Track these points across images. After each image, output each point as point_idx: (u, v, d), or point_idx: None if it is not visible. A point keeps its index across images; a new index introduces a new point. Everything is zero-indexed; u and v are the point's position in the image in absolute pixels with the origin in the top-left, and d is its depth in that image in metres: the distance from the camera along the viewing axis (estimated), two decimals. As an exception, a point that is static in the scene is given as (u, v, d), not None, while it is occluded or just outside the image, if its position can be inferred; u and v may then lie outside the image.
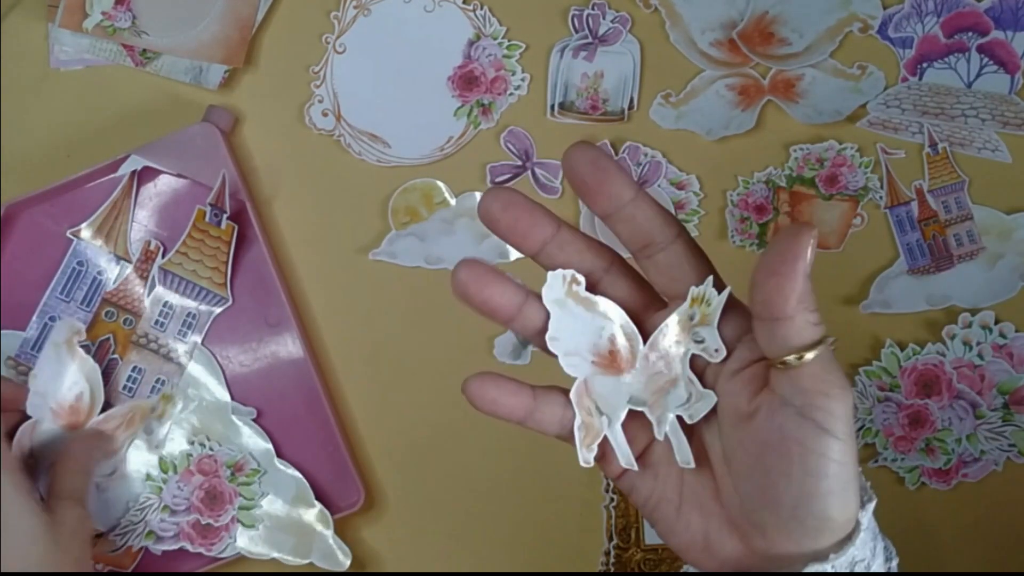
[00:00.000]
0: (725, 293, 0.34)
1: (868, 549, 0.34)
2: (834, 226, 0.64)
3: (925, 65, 0.64)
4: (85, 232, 0.64)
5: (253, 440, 0.63)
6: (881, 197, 0.64)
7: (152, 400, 0.48)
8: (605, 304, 0.36)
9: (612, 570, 0.63)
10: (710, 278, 0.34)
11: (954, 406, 0.62)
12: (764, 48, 0.64)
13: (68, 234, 0.64)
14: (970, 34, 0.64)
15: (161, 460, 0.64)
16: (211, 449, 0.63)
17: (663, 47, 0.65)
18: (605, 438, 0.37)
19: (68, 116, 0.67)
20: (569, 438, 0.37)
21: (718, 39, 0.65)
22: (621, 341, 0.36)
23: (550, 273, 0.36)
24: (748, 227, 0.64)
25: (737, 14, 0.65)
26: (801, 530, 0.33)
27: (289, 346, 0.64)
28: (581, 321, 0.36)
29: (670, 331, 0.35)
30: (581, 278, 0.36)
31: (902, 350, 0.62)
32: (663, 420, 0.36)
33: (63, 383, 0.58)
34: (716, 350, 0.35)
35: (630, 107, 0.65)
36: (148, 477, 0.64)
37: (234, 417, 0.64)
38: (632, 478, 0.38)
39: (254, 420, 0.64)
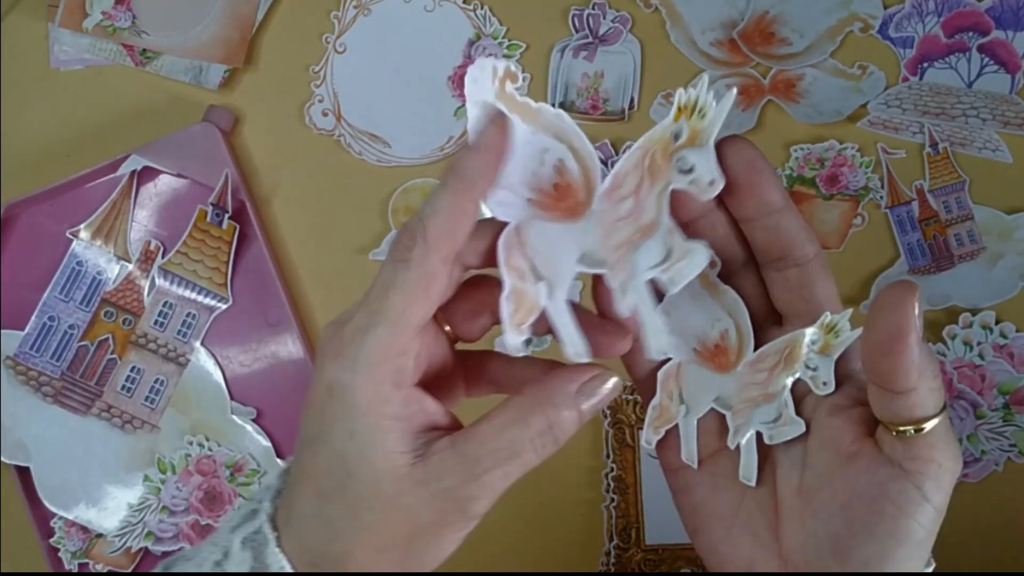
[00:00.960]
0: (857, 332, 0.31)
1: None
2: (835, 226, 0.64)
3: (926, 65, 0.64)
4: (84, 232, 0.64)
5: (253, 440, 0.63)
6: (882, 197, 0.64)
7: (665, 124, 0.30)
8: (554, 117, 0.29)
9: (612, 570, 0.63)
10: (850, 311, 0.31)
11: (955, 406, 0.62)
12: (764, 48, 0.64)
13: (68, 234, 0.64)
14: (971, 34, 0.64)
15: (160, 460, 0.64)
16: (210, 449, 0.63)
17: (663, 47, 0.65)
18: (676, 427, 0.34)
19: (68, 116, 0.67)
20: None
21: (718, 39, 0.65)
22: (572, 168, 0.29)
23: (478, 61, 0.29)
24: (748, 227, 0.64)
25: (737, 14, 0.65)
26: None
27: (289, 346, 0.64)
28: (520, 139, 0.29)
29: (782, 347, 0.31)
30: (518, 73, 0.29)
31: (903, 350, 0.62)
32: (742, 430, 0.33)
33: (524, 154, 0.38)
34: (825, 383, 0.31)
35: (630, 107, 0.65)
36: (146, 478, 0.64)
37: (234, 417, 0.64)
38: (688, 479, 0.35)
39: (254, 420, 0.64)
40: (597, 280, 0.32)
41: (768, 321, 0.33)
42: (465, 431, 0.32)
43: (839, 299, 0.32)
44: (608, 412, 0.63)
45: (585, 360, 0.31)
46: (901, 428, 0.30)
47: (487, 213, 0.31)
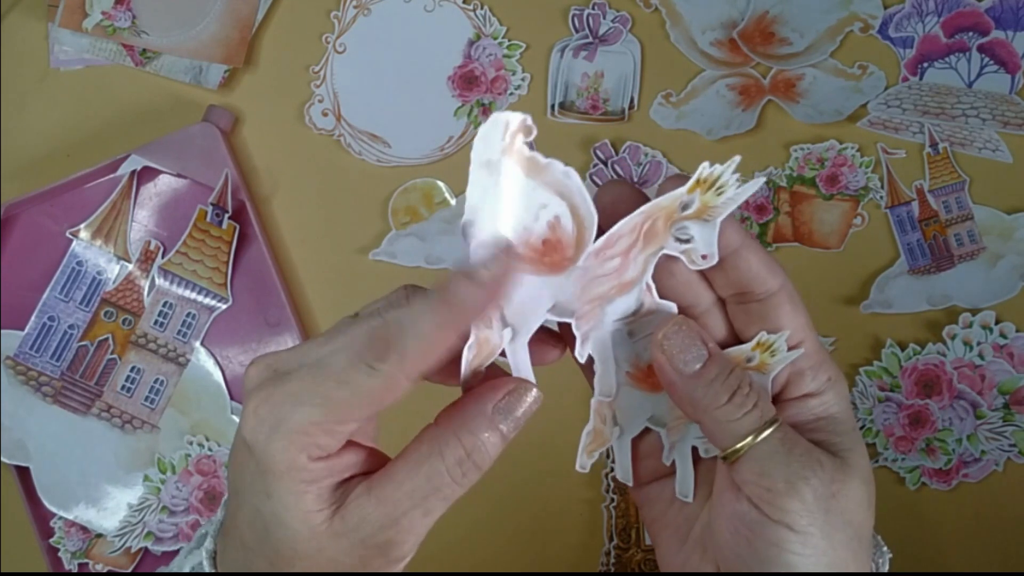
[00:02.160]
0: (795, 353, 0.31)
1: None
2: (835, 226, 0.64)
3: (926, 65, 0.64)
4: (84, 232, 0.64)
5: (253, 440, 0.63)
6: (882, 197, 0.64)
7: (678, 193, 0.28)
8: (562, 175, 0.27)
9: (612, 570, 0.63)
10: (786, 332, 0.31)
11: (955, 406, 0.62)
12: (765, 48, 0.64)
13: (68, 234, 0.64)
14: (971, 34, 0.64)
15: (160, 460, 0.64)
16: (210, 449, 0.63)
17: (663, 47, 0.65)
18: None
19: (68, 116, 0.67)
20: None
21: (719, 39, 0.65)
22: (567, 226, 0.28)
23: (491, 117, 0.27)
24: (748, 227, 0.64)
25: (738, 14, 0.65)
26: None
27: (289, 346, 0.64)
28: (513, 194, 0.28)
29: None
30: (533, 126, 0.27)
31: (903, 350, 0.62)
32: (678, 446, 0.33)
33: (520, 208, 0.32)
34: (704, 256, 0.30)
35: (630, 107, 0.65)
36: (146, 478, 0.64)
37: (234, 417, 0.64)
38: (649, 494, 0.36)
39: (254, 420, 0.64)
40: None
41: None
42: (382, 472, 0.30)
43: (808, 328, 0.32)
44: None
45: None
46: (722, 456, 0.31)
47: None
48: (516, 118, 0.27)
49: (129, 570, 0.64)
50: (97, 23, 0.65)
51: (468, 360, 0.30)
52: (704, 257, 0.29)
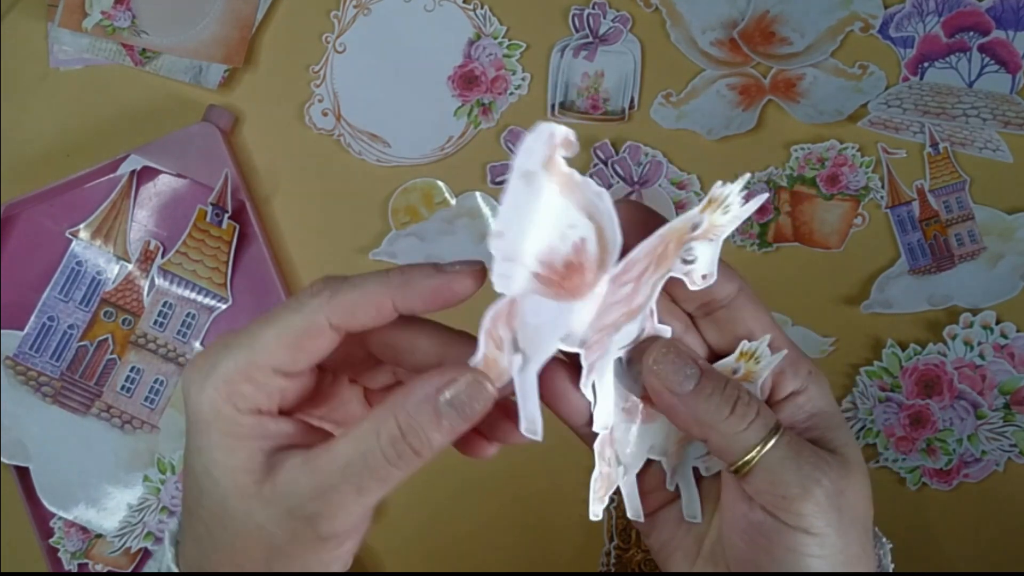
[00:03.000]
0: (779, 356, 0.31)
1: None
2: (835, 226, 0.64)
3: (926, 65, 0.64)
4: (84, 232, 0.64)
5: (253, 440, 0.63)
6: (882, 197, 0.64)
7: (691, 215, 0.28)
8: (595, 196, 0.26)
9: (612, 570, 0.63)
10: (767, 336, 0.31)
11: (955, 406, 0.62)
12: (765, 47, 0.64)
13: (67, 234, 0.64)
14: (971, 34, 0.64)
15: (159, 460, 0.64)
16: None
17: (664, 46, 0.65)
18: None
19: (68, 116, 0.66)
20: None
21: (719, 38, 0.65)
22: (591, 250, 0.27)
23: (537, 127, 0.26)
24: (749, 227, 0.64)
25: (738, 13, 0.64)
26: None
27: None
28: (544, 210, 0.26)
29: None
30: (575, 142, 0.26)
31: (903, 350, 0.62)
32: (679, 470, 0.33)
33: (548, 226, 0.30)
34: (704, 276, 0.30)
35: (631, 107, 0.65)
36: (146, 478, 0.64)
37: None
38: (653, 522, 0.36)
39: (254, 420, 0.64)
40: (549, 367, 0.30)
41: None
42: (321, 446, 0.30)
43: (773, 325, 0.32)
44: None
45: (537, 438, 0.30)
46: (732, 469, 0.31)
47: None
48: (560, 130, 0.26)
49: (129, 570, 0.64)
50: (97, 23, 0.65)
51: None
52: (704, 277, 0.29)
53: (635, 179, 0.64)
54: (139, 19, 0.65)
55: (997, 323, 0.62)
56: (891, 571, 0.34)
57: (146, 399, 0.64)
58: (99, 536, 0.64)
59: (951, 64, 0.64)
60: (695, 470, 0.34)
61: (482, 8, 0.65)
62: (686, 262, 0.28)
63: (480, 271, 0.30)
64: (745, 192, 0.28)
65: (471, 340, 0.30)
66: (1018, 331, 0.62)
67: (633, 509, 0.34)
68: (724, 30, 0.64)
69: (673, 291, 0.32)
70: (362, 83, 0.66)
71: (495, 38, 0.65)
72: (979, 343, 0.62)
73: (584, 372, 0.30)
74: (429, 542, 0.65)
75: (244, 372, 0.29)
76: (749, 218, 0.63)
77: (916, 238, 0.63)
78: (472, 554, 0.64)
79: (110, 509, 0.64)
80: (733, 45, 0.64)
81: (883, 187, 0.63)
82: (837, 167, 0.63)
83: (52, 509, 0.64)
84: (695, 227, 0.28)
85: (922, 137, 0.63)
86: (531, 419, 0.29)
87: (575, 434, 0.33)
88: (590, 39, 0.65)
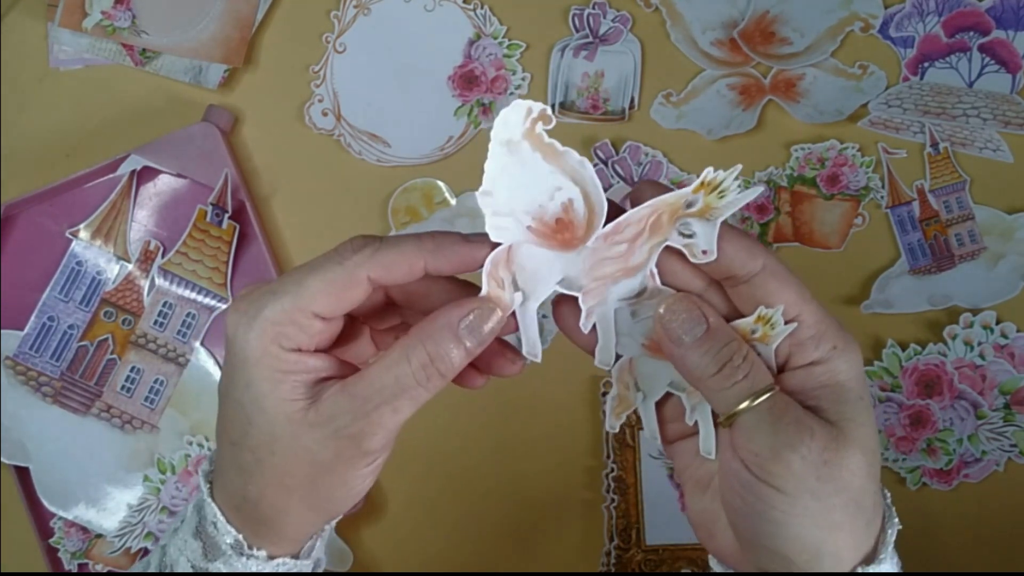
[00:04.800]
0: (790, 328, 0.33)
1: None
2: (835, 226, 0.64)
3: (926, 64, 0.64)
4: (84, 232, 0.64)
5: (253, 440, 0.63)
6: (882, 197, 0.63)
7: (683, 192, 0.31)
8: (577, 163, 0.31)
9: (612, 570, 0.63)
10: (781, 307, 0.33)
11: (955, 406, 0.62)
12: (765, 47, 0.64)
13: (67, 234, 0.64)
14: (971, 33, 0.64)
15: (159, 461, 0.64)
16: (210, 449, 0.63)
17: (664, 46, 0.65)
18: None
19: (68, 116, 0.66)
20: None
21: (719, 38, 0.64)
22: (579, 209, 0.31)
23: (514, 103, 0.30)
24: (749, 227, 0.64)
25: (738, 13, 0.64)
26: (778, 561, 0.34)
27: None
28: (531, 173, 0.31)
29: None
30: (552, 116, 0.30)
31: (903, 350, 0.62)
32: (698, 407, 0.36)
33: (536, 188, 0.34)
34: (704, 251, 0.32)
35: (631, 107, 0.65)
36: (146, 478, 0.64)
37: (234, 417, 0.63)
38: (675, 448, 0.38)
39: (254, 420, 0.64)
40: (560, 302, 0.35)
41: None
42: (356, 375, 0.34)
43: (800, 301, 0.34)
44: (608, 412, 0.63)
45: (537, 360, 0.34)
46: (719, 421, 0.34)
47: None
48: (537, 106, 0.30)
49: (129, 570, 0.64)
50: (97, 23, 0.65)
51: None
52: (704, 252, 0.31)
53: (635, 179, 0.64)
54: (139, 19, 0.65)
55: (997, 323, 0.62)
56: (893, 547, 0.35)
57: (146, 399, 0.64)
58: (99, 536, 0.64)
59: (951, 64, 0.64)
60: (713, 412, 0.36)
61: (482, 8, 0.65)
62: (683, 235, 0.31)
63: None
64: (739, 181, 0.30)
65: (476, 288, 0.34)
66: (1018, 331, 0.62)
67: (650, 431, 0.37)
68: (724, 30, 0.64)
69: (703, 264, 0.34)
70: (362, 83, 0.66)
71: (495, 38, 0.65)
72: (979, 343, 0.62)
73: (583, 315, 0.33)
74: (429, 542, 0.65)
75: (289, 315, 0.33)
76: (749, 218, 0.64)
77: (916, 238, 0.63)
78: (472, 554, 0.64)
79: (110, 509, 0.64)
80: (733, 45, 0.64)
81: (883, 187, 0.63)
82: (837, 167, 0.63)
83: (52, 509, 0.64)
84: (690, 205, 0.31)
85: (922, 137, 0.63)
86: (531, 343, 0.34)
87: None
88: (590, 39, 0.65)
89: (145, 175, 0.65)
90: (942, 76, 0.64)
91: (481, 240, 0.33)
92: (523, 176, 0.31)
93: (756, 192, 0.31)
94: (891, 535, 0.35)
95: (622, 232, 0.31)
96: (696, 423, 0.36)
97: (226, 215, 0.62)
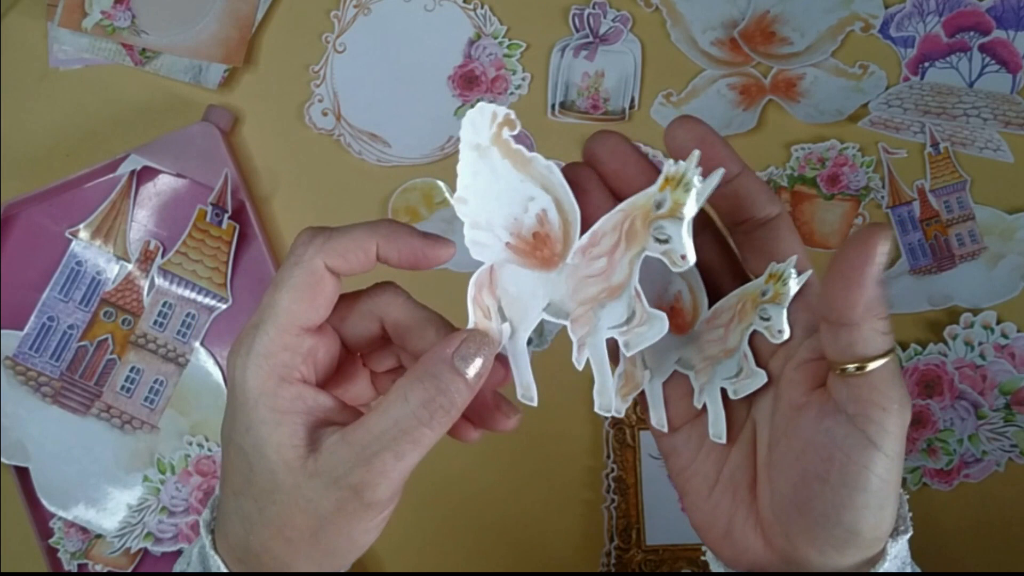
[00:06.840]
0: (805, 276, 0.31)
1: None
2: (836, 226, 0.64)
3: (927, 64, 0.64)
4: (84, 232, 0.64)
5: (253, 440, 0.63)
6: (883, 197, 0.63)
7: (650, 192, 0.29)
8: (544, 168, 0.29)
9: (612, 570, 0.63)
10: (794, 257, 0.32)
11: (956, 406, 0.62)
12: (765, 47, 0.64)
13: (67, 234, 0.64)
14: (972, 33, 0.63)
15: (159, 461, 0.64)
16: (209, 450, 0.63)
17: (664, 46, 0.65)
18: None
19: (68, 115, 0.66)
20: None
21: (719, 38, 0.64)
22: (553, 219, 0.30)
23: (479, 105, 0.30)
24: (749, 227, 0.64)
25: (738, 13, 0.64)
26: (825, 539, 0.32)
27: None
28: (503, 183, 0.30)
29: (735, 303, 0.32)
30: (516, 121, 0.29)
31: (904, 350, 0.62)
32: (706, 388, 0.34)
33: (510, 200, 0.32)
34: (780, 331, 0.32)
35: (631, 106, 0.65)
36: (146, 478, 0.64)
37: (234, 417, 0.63)
38: (675, 442, 0.36)
39: (254, 420, 0.64)
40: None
41: (735, 281, 0.34)
42: (355, 422, 0.32)
43: (806, 258, 0.33)
44: (608, 412, 0.63)
45: (533, 404, 0.32)
46: (844, 367, 0.31)
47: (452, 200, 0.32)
48: (502, 110, 0.29)
49: (129, 570, 0.64)
50: (96, 22, 0.65)
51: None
52: (683, 257, 0.29)
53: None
54: (139, 19, 0.65)
55: (998, 323, 0.62)
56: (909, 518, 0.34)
57: (146, 399, 0.64)
58: (99, 536, 0.64)
59: (952, 64, 0.64)
60: (722, 392, 0.34)
61: (482, 8, 0.65)
62: (660, 241, 0.29)
63: (455, 248, 0.33)
64: (700, 170, 0.28)
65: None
66: (1019, 331, 0.62)
67: (657, 418, 0.35)
68: (724, 30, 0.64)
69: (716, 204, 0.33)
70: (362, 83, 0.65)
71: (495, 38, 0.65)
72: (980, 343, 0.62)
73: (575, 348, 0.31)
74: (429, 542, 0.65)
75: (277, 340, 0.32)
76: (749, 218, 0.64)
77: (917, 238, 0.63)
78: (472, 554, 0.64)
79: (110, 509, 0.64)
80: (733, 45, 0.64)
81: (884, 187, 0.63)
82: (837, 167, 0.63)
83: (52, 509, 0.64)
84: (659, 205, 0.28)
85: (923, 137, 0.63)
86: (525, 385, 0.32)
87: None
88: (590, 39, 0.65)
89: (145, 175, 0.65)
90: (942, 76, 0.64)
91: (437, 240, 0.33)
92: (496, 185, 0.30)
93: (718, 176, 0.28)
94: (905, 512, 0.34)
95: (599, 244, 0.30)
96: (704, 406, 0.34)
97: (226, 215, 0.62)
